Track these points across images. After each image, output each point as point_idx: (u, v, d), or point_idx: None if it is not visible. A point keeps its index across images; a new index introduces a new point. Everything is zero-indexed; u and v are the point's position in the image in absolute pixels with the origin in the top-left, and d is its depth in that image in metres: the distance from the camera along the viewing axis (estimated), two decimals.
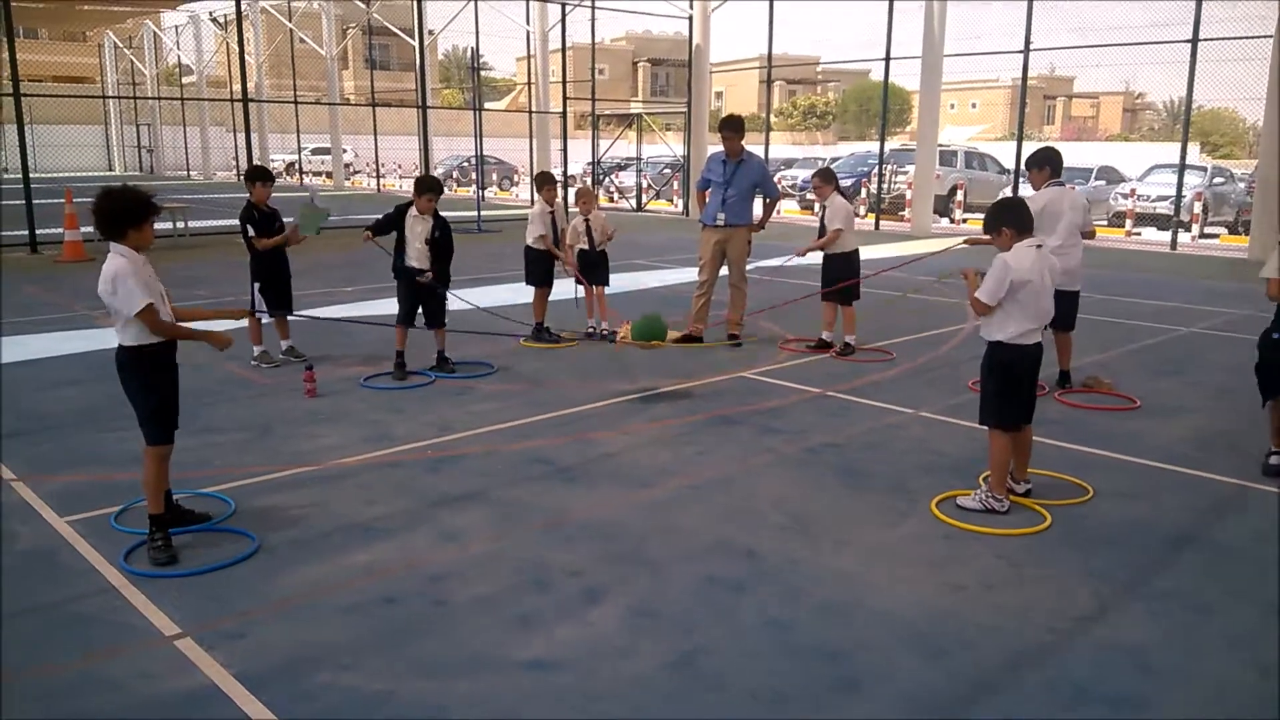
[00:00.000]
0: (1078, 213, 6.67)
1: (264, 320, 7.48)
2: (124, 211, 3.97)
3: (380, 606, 3.71)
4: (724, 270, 8.58)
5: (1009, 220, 4.72)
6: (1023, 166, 18.82)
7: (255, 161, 17.97)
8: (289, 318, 7.71)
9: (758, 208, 8.71)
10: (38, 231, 14.74)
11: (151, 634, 3.47)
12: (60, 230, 14.22)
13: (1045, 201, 6.51)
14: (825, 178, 8.26)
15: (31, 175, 15.03)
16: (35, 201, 14.93)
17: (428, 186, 7.09)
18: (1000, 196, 5.88)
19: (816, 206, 8.42)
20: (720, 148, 8.53)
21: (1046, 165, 6.69)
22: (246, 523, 4.47)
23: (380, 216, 7.27)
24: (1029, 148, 19.52)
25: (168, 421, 4.15)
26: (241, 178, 7.53)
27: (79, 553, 4.15)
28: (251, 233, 7.28)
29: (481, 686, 3.17)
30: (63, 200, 14.51)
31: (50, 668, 3.25)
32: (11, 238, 15.09)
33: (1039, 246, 4.69)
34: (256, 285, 7.42)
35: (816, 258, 8.32)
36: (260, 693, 3.08)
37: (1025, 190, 16.97)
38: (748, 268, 8.62)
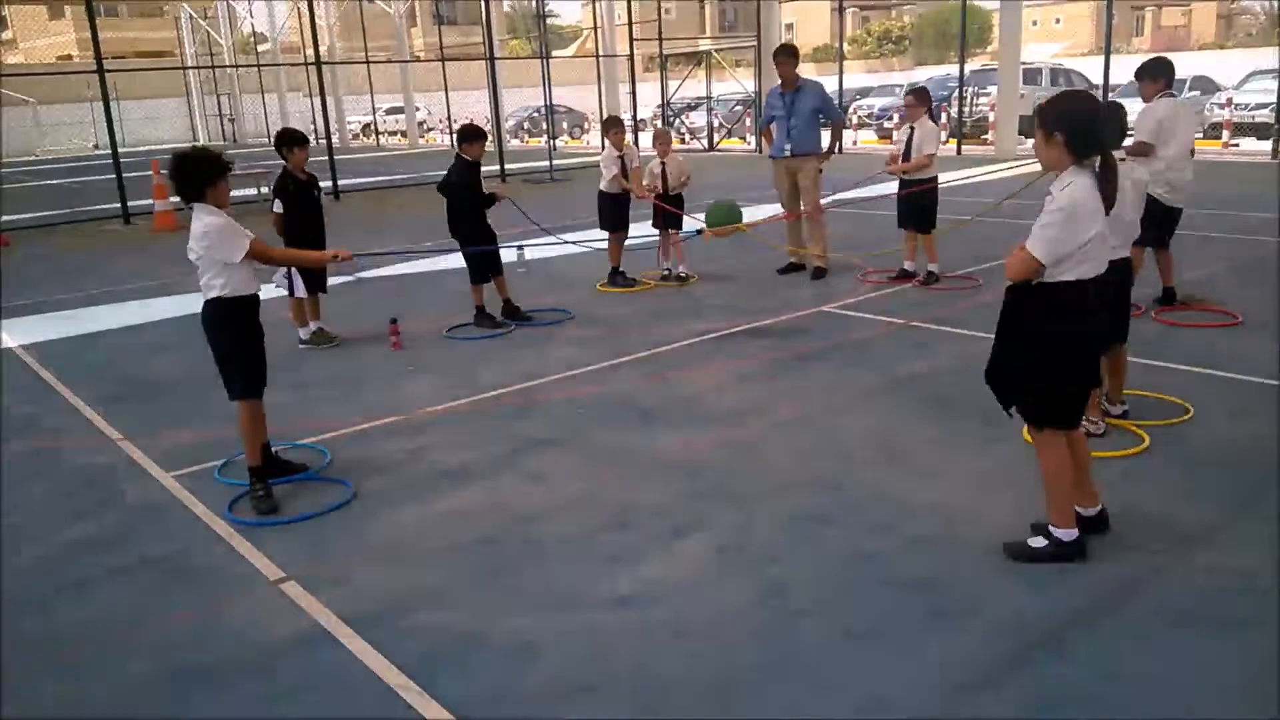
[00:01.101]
0: (1192, 127, 6.36)
1: (299, 295, 6.90)
2: (198, 172, 4.08)
3: (472, 548, 3.80)
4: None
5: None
6: (1115, 78, 18.08)
7: (331, 124, 18.25)
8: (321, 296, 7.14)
9: (825, 139, 8.65)
10: (130, 204, 15.27)
11: (258, 581, 3.62)
12: (151, 201, 14.69)
13: (1162, 115, 6.14)
14: (920, 97, 8.00)
15: (120, 150, 15.52)
16: (125, 175, 15.43)
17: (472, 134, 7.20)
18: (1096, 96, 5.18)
19: (904, 128, 8.13)
20: (821, 76, 8.50)
21: (1160, 76, 6.24)
22: (342, 472, 4.61)
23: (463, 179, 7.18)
24: (1117, 62, 18.70)
25: (257, 374, 4.29)
26: (275, 144, 6.87)
27: (186, 506, 4.33)
28: (279, 208, 6.67)
29: (572, 623, 3.23)
30: (150, 172, 14.97)
31: (167, 619, 3.42)
32: (107, 210, 15.65)
33: (1121, 159, 4.34)
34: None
35: (894, 184, 8.13)
36: (364, 632, 3.19)
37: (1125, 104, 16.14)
38: (824, 199, 8.53)
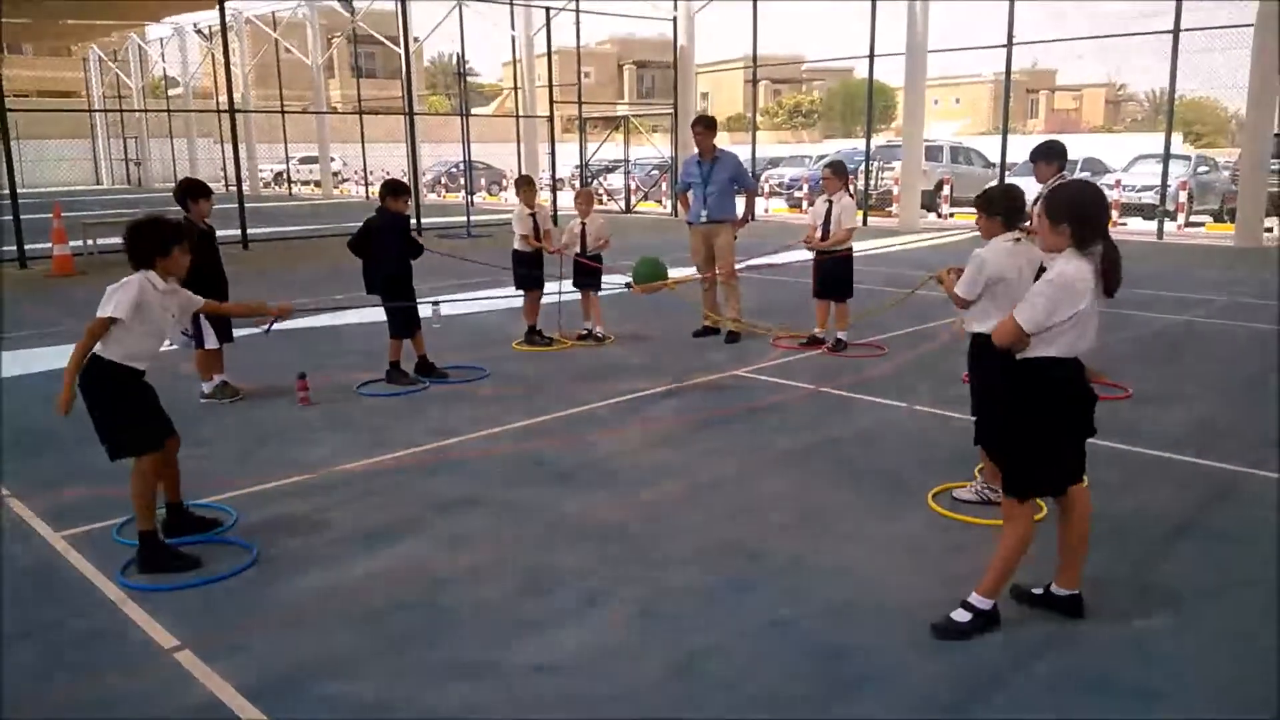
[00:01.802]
0: None
1: (210, 347, 6.71)
2: (147, 241, 4.09)
3: (381, 614, 3.70)
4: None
5: (1000, 209, 4.42)
6: (1011, 156, 18.96)
7: (241, 171, 17.94)
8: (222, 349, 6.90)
9: (740, 207, 8.84)
10: (26, 247, 14.69)
11: (151, 650, 3.45)
12: (49, 245, 14.17)
13: None
14: (837, 171, 8.12)
15: (19, 191, 14.96)
16: (24, 217, 14.87)
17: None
18: (1004, 184, 5.37)
19: (821, 201, 8.17)
20: (732, 146, 8.76)
21: (1055, 159, 6.45)
22: (245, 533, 4.45)
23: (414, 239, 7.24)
24: (1013, 141, 19.67)
25: (151, 428, 4.14)
26: (177, 194, 6.59)
27: (75, 568, 4.12)
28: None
29: (484, 692, 3.16)
30: (51, 215, 14.47)
31: (50, 691, 3.23)
32: (2, 253, 15.03)
33: (1017, 240, 4.59)
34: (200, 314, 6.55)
35: (808, 254, 8.33)
36: (263, 704, 3.06)
37: (1018, 183, 16.89)
38: (738, 264, 8.71)
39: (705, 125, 8.73)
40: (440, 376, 7.33)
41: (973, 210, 4.69)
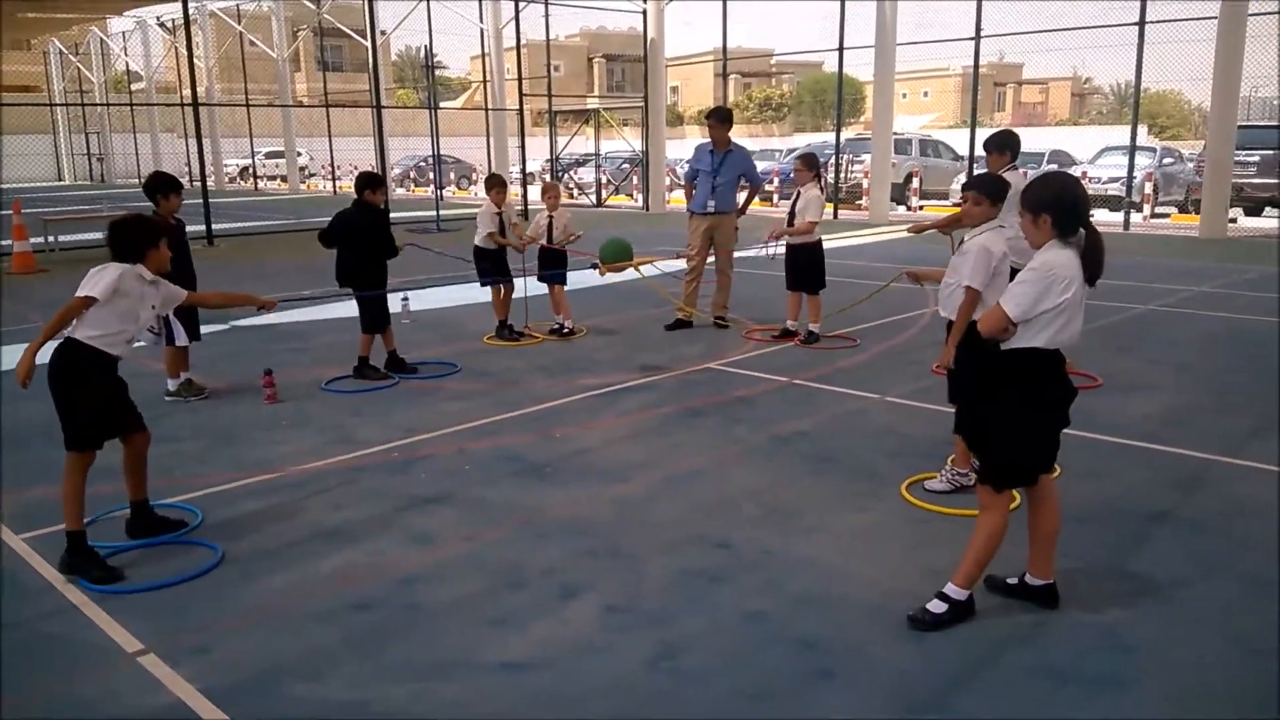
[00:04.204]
0: None
1: (180, 344, 6.58)
2: (137, 236, 4.14)
3: (350, 613, 3.64)
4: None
5: (1067, 208, 3.56)
6: (980, 149, 19.06)
7: (207, 166, 17.70)
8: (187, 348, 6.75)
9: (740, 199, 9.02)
10: None
11: (114, 652, 3.37)
12: (9, 242, 13.91)
13: (1014, 189, 6.26)
14: (808, 163, 8.11)
15: None
16: None
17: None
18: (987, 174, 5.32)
19: (791, 193, 8.37)
20: (705, 139, 8.91)
21: (1007, 149, 6.45)
22: (210, 533, 4.37)
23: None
24: (981, 134, 19.78)
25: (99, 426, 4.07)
26: (146, 189, 6.34)
27: (36, 571, 4.02)
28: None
29: (456, 690, 3.11)
30: (10, 212, 14.20)
31: (10, 696, 3.15)
32: None
33: (1002, 226, 4.57)
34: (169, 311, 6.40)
35: (781, 247, 8.32)
36: (229, 707, 3.00)
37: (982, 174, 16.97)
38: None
39: (720, 119, 8.82)
40: (410, 371, 7.25)
41: (949, 202, 4.64)
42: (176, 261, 6.42)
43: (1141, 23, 16.49)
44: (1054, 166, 23.58)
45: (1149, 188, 19.57)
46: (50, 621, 3.62)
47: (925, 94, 62.24)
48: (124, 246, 4.13)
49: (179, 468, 5.26)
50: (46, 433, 5.70)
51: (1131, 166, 17.81)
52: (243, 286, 11.22)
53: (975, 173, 18.87)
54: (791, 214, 8.09)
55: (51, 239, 15.37)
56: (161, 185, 6.38)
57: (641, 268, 8.25)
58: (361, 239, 6.97)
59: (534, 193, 22.28)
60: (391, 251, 7.11)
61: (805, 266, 8.08)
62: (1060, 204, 3.34)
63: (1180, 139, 40.68)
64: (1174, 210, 21.16)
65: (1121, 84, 53.42)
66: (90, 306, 3.95)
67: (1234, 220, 17.03)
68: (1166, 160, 22.50)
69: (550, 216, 8.57)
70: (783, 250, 8.25)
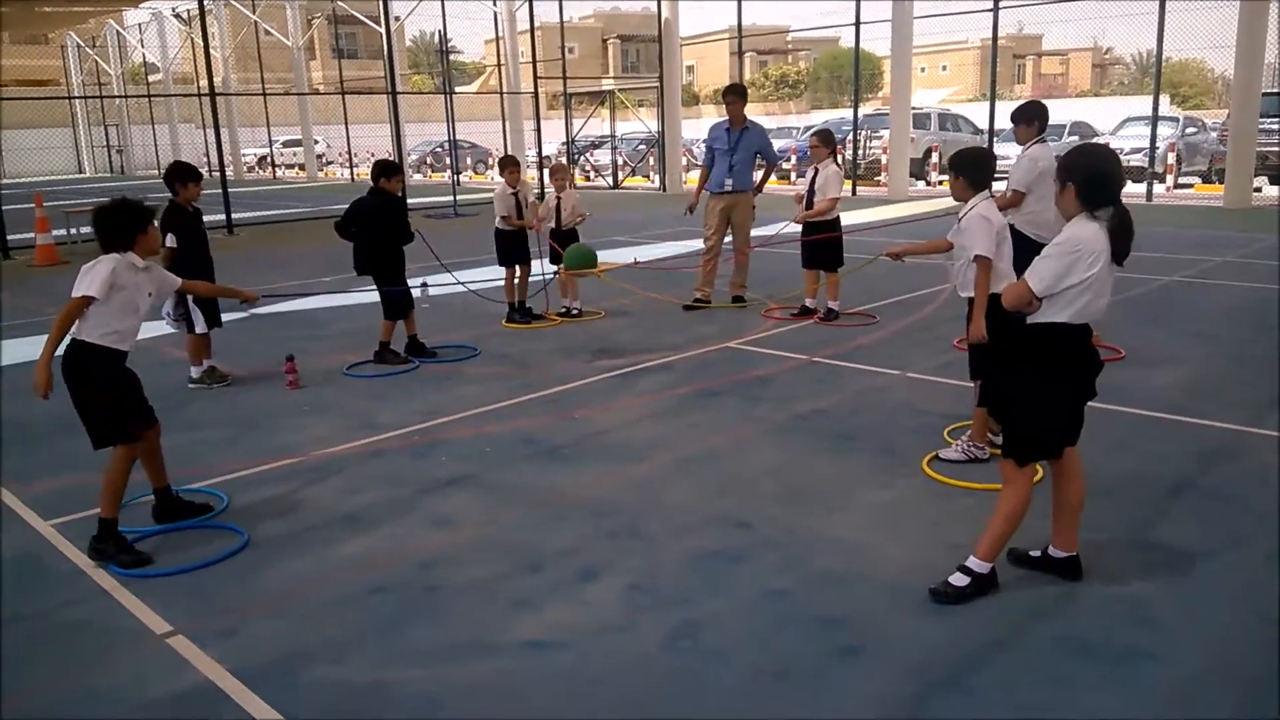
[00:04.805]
0: None
1: (199, 331, 6.63)
2: (125, 222, 4.04)
3: (372, 596, 3.67)
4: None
5: (973, 171, 4.49)
6: (1000, 123, 18.88)
7: (225, 156, 17.78)
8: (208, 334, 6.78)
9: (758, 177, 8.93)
10: (9, 237, 14.57)
11: (144, 635, 3.42)
12: (32, 235, 14.04)
13: (1043, 165, 6.03)
14: (824, 140, 8.07)
15: (1, 181, 14.80)
16: (5, 207, 14.74)
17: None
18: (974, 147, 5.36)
19: (807, 171, 8.28)
20: (720, 118, 8.87)
21: (1035, 120, 6.32)
22: (235, 518, 4.41)
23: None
24: (1001, 107, 19.57)
25: (131, 419, 4.09)
26: (166, 178, 6.47)
27: (66, 556, 4.08)
28: (173, 242, 6.20)
29: (477, 671, 3.13)
30: (33, 205, 14.32)
31: (43, 678, 3.20)
32: None
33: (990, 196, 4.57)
34: (190, 298, 6.39)
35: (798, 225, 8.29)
36: (258, 688, 3.04)
37: (1003, 148, 16.82)
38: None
39: (737, 94, 8.76)
40: (430, 355, 7.28)
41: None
42: (194, 249, 6.51)
43: None
44: (1075, 138, 23.34)
45: (1171, 158, 19.31)
46: (81, 606, 3.67)
47: (944, 68, 61.60)
48: (112, 234, 4.02)
49: (204, 454, 5.31)
50: (62, 424, 5.79)
51: (1154, 137, 17.57)
52: (261, 275, 11.32)
53: (995, 147, 18.71)
54: (810, 192, 8.02)
55: (73, 231, 15.51)
56: (181, 174, 6.45)
57: (604, 274, 8.25)
58: (377, 226, 7.00)
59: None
60: (408, 237, 7.13)
61: (823, 244, 8.02)
62: (1087, 175, 3.31)
63: (1204, 108, 40.07)
64: (1197, 181, 20.87)
65: (1143, 53, 52.66)
66: (90, 305, 3.91)
67: (1259, 189, 16.78)
68: (1189, 130, 22.17)
69: (559, 198, 8.56)
70: (798, 227, 8.20)
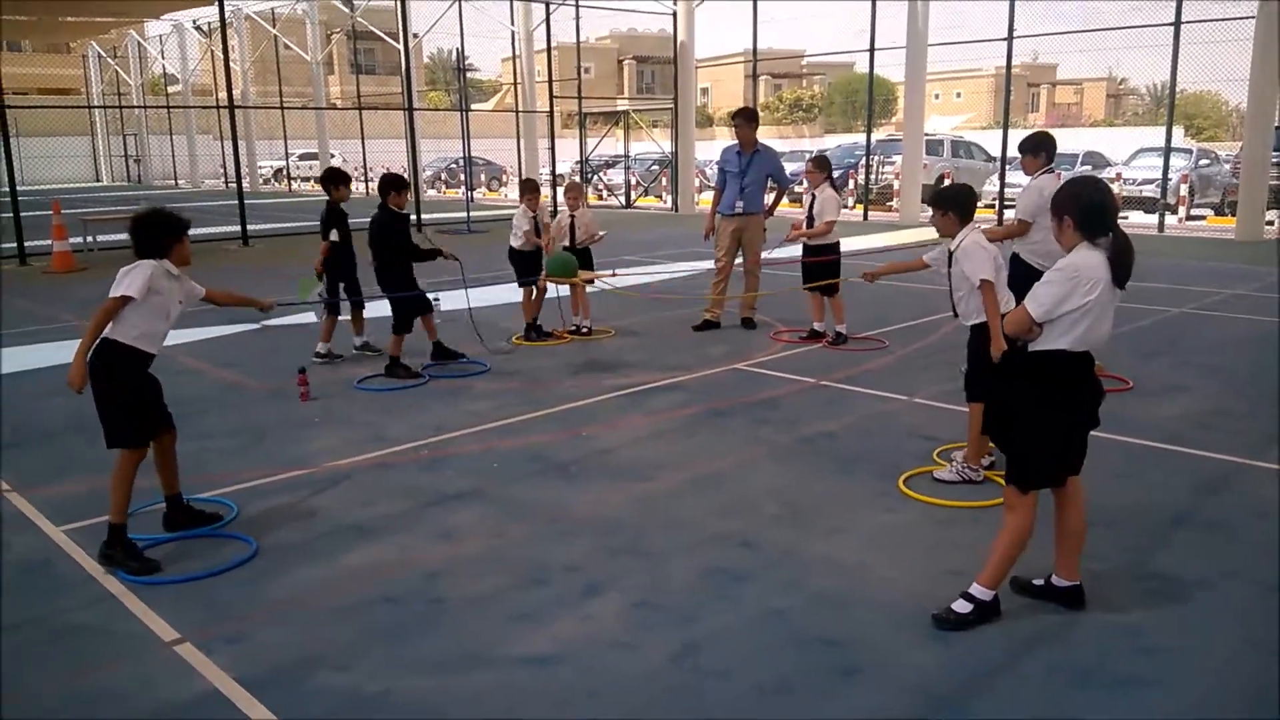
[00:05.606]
0: None
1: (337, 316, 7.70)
2: (161, 230, 4.15)
3: (377, 606, 3.71)
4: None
5: (962, 206, 4.70)
6: (1012, 150, 18.94)
7: (241, 167, 17.93)
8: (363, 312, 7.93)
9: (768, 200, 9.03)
10: (26, 243, 14.72)
11: (151, 641, 3.46)
12: (49, 242, 14.18)
13: (1049, 193, 6.13)
14: (819, 165, 8.21)
15: (19, 188, 14.98)
16: (23, 214, 14.89)
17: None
18: (953, 183, 5.55)
19: (805, 196, 8.41)
20: (731, 141, 8.94)
21: (1042, 151, 6.38)
22: (244, 527, 4.46)
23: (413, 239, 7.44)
24: (1014, 135, 19.63)
25: (146, 424, 4.15)
26: (323, 181, 7.88)
27: (76, 562, 4.13)
28: (335, 236, 7.49)
29: (480, 684, 3.17)
30: (50, 212, 14.47)
31: (50, 682, 3.24)
32: (1, 250, 15.04)
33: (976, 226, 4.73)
34: (342, 284, 7.62)
35: (798, 248, 8.34)
36: (261, 696, 3.08)
37: (1015, 176, 16.86)
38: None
39: (746, 118, 8.83)
40: (457, 356, 7.55)
41: (983, 203, 4.79)
42: (348, 245, 7.51)
43: (1177, 23, 16.28)
44: (1088, 168, 23.39)
45: (1184, 189, 19.32)
46: (89, 611, 3.72)
47: (958, 95, 61.78)
48: (148, 241, 4.13)
49: (215, 463, 5.37)
50: (76, 427, 5.85)
51: (1166, 168, 17.58)
52: (277, 288, 11.39)
53: (1006, 176, 18.77)
54: (810, 217, 8.11)
55: (90, 238, 15.65)
56: (335, 178, 7.67)
57: (587, 283, 8.31)
58: (384, 241, 7.11)
59: (562, 194, 22.39)
60: (412, 254, 7.22)
61: (821, 267, 8.06)
62: (1080, 206, 3.36)
63: (1218, 140, 40.09)
64: (1210, 213, 20.87)
65: (1158, 85, 52.71)
66: (127, 305, 4.01)
67: (1271, 223, 16.77)
68: (1202, 162, 22.19)
69: (572, 216, 8.62)
70: (795, 247, 8.29)
